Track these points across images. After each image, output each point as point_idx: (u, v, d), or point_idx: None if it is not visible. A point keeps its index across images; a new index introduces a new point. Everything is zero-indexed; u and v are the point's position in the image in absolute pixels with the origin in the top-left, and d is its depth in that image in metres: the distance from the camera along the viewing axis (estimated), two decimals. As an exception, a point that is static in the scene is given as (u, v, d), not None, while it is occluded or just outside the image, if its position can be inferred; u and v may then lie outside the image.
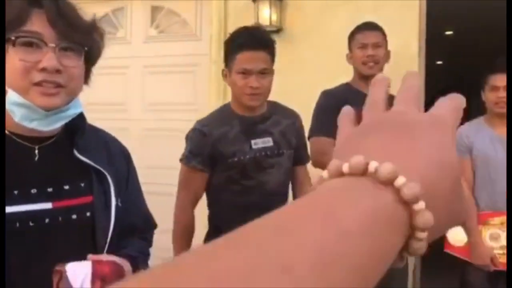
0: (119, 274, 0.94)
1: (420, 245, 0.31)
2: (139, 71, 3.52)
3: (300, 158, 1.92)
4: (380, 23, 2.38)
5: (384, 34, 2.27)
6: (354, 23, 2.76)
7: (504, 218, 2.13)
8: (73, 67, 0.98)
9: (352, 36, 2.28)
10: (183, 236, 1.77)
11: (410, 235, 0.31)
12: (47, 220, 0.98)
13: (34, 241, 0.96)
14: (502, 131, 2.22)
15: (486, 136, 2.26)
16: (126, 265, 0.98)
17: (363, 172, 0.30)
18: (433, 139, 0.34)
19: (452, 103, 0.38)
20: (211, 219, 1.82)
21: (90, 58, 1.05)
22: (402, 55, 2.75)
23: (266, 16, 2.86)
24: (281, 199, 1.79)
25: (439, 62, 6.48)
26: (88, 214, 1.04)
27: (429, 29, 2.94)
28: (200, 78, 3.30)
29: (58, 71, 0.95)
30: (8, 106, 0.95)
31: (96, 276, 0.91)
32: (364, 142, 0.34)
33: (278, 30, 2.93)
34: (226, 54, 1.78)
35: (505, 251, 2.12)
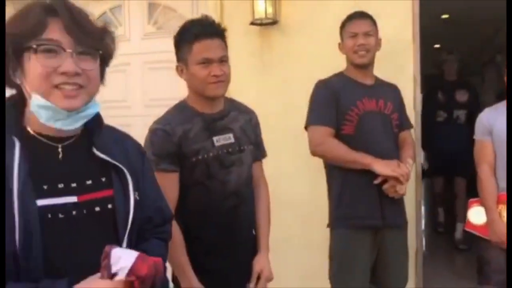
0: (153, 275, 0.99)
1: None
2: (139, 67, 3.57)
3: (256, 154, 1.89)
4: (375, 11, 2.43)
5: (374, 23, 2.31)
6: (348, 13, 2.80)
7: None
8: (90, 69, 1.07)
9: (343, 26, 2.33)
10: (175, 249, 1.61)
11: None
12: (74, 212, 1.07)
13: (64, 231, 1.05)
14: None
15: (505, 118, 2.24)
16: (159, 270, 1.03)
17: None
18: None
19: None
20: (181, 221, 1.66)
21: (104, 60, 1.13)
22: (396, 41, 2.79)
23: (261, 9, 2.90)
24: (244, 200, 1.77)
25: (436, 46, 6.51)
26: (109, 206, 1.12)
27: (426, 13, 2.98)
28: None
29: (77, 74, 1.03)
30: (33, 108, 1.04)
31: (133, 272, 0.97)
32: None
33: (274, 23, 2.97)
34: (178, 48, 1.72)
35: None
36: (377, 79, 2.35)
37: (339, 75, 2.32)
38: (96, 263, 0.99)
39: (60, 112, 1.04)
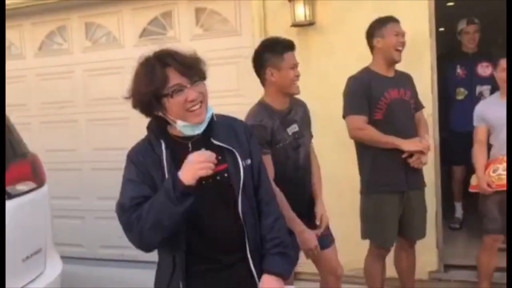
0: None
1: None
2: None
3: (310, 136, 2.52)
4: (399, 8, 3.06)
5: None
6: (378, 14, 3.33)
7: (503, 159, 2.89)
8: (203, 91, 1.58)
9: (383, 25, 2.75)
10: (284, 207, 2.20)
11: None
12: (210, 180, 1.59)
13: (200, 193, 1.55)
14: (503, 99, 2.92)
15: (496, 104, 2.96)
16: None
17: None
18: None
19: None
20: None
21: (205, 78, 1.64)
22: (417, 35, 3.28)
23: (301, 12, 3.41)
24: (307, 171, 2.43)
25: (441, 29, 6.72)
26: (225, 175, 1.64)
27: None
28: (243, 68, 3.85)
29: (197, 98, 1.55)
30: (179, 128, 1.57)
31: None
32: None
33: (311, 24, 3.47)
34: (266, 58, 2.29)
35: (500, 176, 2.87)
36: (395, 71, 2.85)
37: (367, 71, 2.81)
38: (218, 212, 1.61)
39: (195, 125, 1.57)
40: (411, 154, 2.67)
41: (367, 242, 2.90)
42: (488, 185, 2.89)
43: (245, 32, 3.90)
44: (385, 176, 2.72)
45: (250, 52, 3.67)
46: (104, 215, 4.19)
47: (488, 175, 2.93)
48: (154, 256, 1.73)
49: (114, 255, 4.31)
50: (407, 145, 2.66)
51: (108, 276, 3.98)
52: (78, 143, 4.52)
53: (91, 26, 4.46)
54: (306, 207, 2.42)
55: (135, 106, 1.59)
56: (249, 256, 1.62)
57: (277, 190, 2.12)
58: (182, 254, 1.57)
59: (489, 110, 3.00)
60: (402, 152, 2.67)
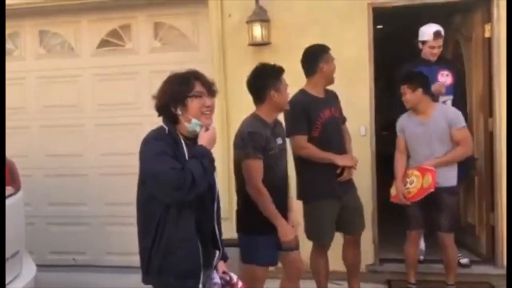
0: None
1: None
2: (146, 76, 4.28)
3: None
4: (341, 37, 3.57)
5: None
6: (322, 40, 3.79)
7: (411, 170, 3.37)
8: (214, 103, 2.08)
9: (326, 52, 3.19)
10: (268, 203, 2.64)
11: None
12: None
13: None
14: (423, 116, 3.35)
15: (412, 121, 3.41)
16: None
17: None
18: None
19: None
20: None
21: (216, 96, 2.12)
22: (358, 60, 3.79)
23: (258, 33, 3.77)
24: (287, 177, 2.85)
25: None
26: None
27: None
28: (201, 81, 4.15)
29: (212, 105, 2.03)
30: (193, 125, 2.00)
31: None
32: None
33: (267, 44, 3.85)
34: (269, 81, 2.68)
35: (408, 190, 3.36)
36: (325, 91, 3.28)
37: (303, 93, 3.21)
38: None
39: (204, 126, 2.03)
40: (343, 168, 3.16)
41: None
42: (404, 196, 3.37)
43: (202, 48, 4.19)
44: (322, 186, 3.16)
45: (208, 66, 4.05)
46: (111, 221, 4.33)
47: (403, 186, 3.38)
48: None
49: (120, 261, 4.29)
50: (341, 160, 3.15)
51: (116, 283, 3.99)
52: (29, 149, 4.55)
53: (45, 34, 4.53)
54: (285, 207, 2.80)
55: (162, 104, 2.02)
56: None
57: (264, 190, 2.56)
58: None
59: (406, 124, 3.42)
60: (336, 165, 3.15)
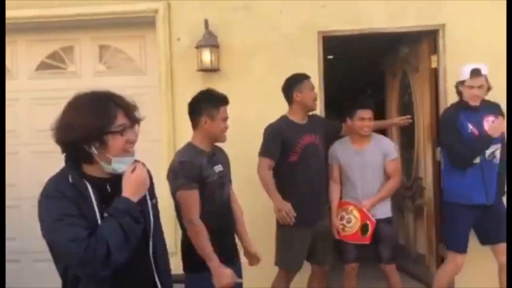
0: None
1: None
2: (89, 100, 4.06)
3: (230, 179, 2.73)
4: (292, 67, 3.44)
5: None
6: (272, 66, 3.75)
7: (351, 207, 3.31)
8: (137, 133, 1.64)
9: (300, 81, 3.20)
10: (203, 239, 2.41)
11: None
12: None
13: None
14: (358, 146, 3.34)
15: (347, 150, 3.38)
16: None
17: None
18: None
19: None
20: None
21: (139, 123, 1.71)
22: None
23: (207, 59, 3.66)
24: (229, 207, 2.65)
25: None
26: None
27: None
28: (147, 107, 3.96)
29: (135, 139, 1.64)
30: (113, 165, 1.58)
31: None
32: None
33: (216, 70, 3.74)
34: (203, 107, 2.51)
35: (344, 228, 3.31)
36: (308, 117, 3.29)
37: (284, 119, 3.23)
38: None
39: (128, 161, 1.62)
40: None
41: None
42: (337, 231, 3.31)
43: (150, 72, 4.03)
44: (296, 212, 3.06)
45: (156, 91, 3.89)
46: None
47: (337, 221, 3.33)
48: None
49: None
50: (277, 204, 3.06)
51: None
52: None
53: (-21, 55, 4.22)
54: (231, 239, 2.65)
55: (64, 138, 1.55)
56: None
57: (198, 223, 2.36)
58: None
59: (340, 151, 3.38)
60: (311, 191, 3.13)
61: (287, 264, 3.16)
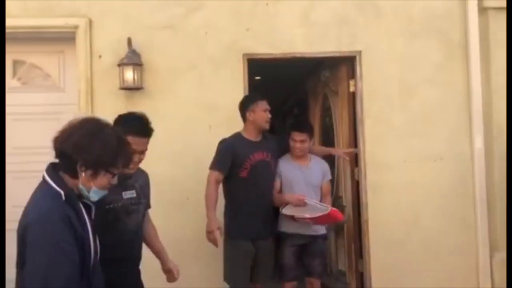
0: None
1: None
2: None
3: (148, 205, 2.56)
4: (218, 85, 3.57)
5: None
6: (196, 86, 3.77)
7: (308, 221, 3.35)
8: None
9: (253, 102, 3.30)
10: None
11: None
12: None
13: None
14: (299, 162, 3.49)
15: (289, 165, 3.49)
16: None
17: None
18: None
19: None
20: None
21: None
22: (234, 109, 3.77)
23: (129, 77, 3.59)
24: (139, 237, 2.43)
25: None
26: None
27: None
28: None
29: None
30: (92, 194, 1.69)
31: None
32: None
33: (139, 88, 3.68)
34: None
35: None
36: (263, 135, 3.38)
37: (237, 136, 3.33)
38: None
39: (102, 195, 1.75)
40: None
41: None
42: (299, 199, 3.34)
43: (69, 89, 3.88)
44: (241, 224, 3.17)
45: (75, 109, 3.74)
46: None
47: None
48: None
49: None
50: (210, 225, 3.09)
51: None
52: None
53: None
54: (135, 263, 2.45)
55: (69, 155, 1.63)
56: None
57: None
58: None
59: (283, 166, 3.45)
60: (259, 207, 3.22)
61: (230, 280, 3.24)
